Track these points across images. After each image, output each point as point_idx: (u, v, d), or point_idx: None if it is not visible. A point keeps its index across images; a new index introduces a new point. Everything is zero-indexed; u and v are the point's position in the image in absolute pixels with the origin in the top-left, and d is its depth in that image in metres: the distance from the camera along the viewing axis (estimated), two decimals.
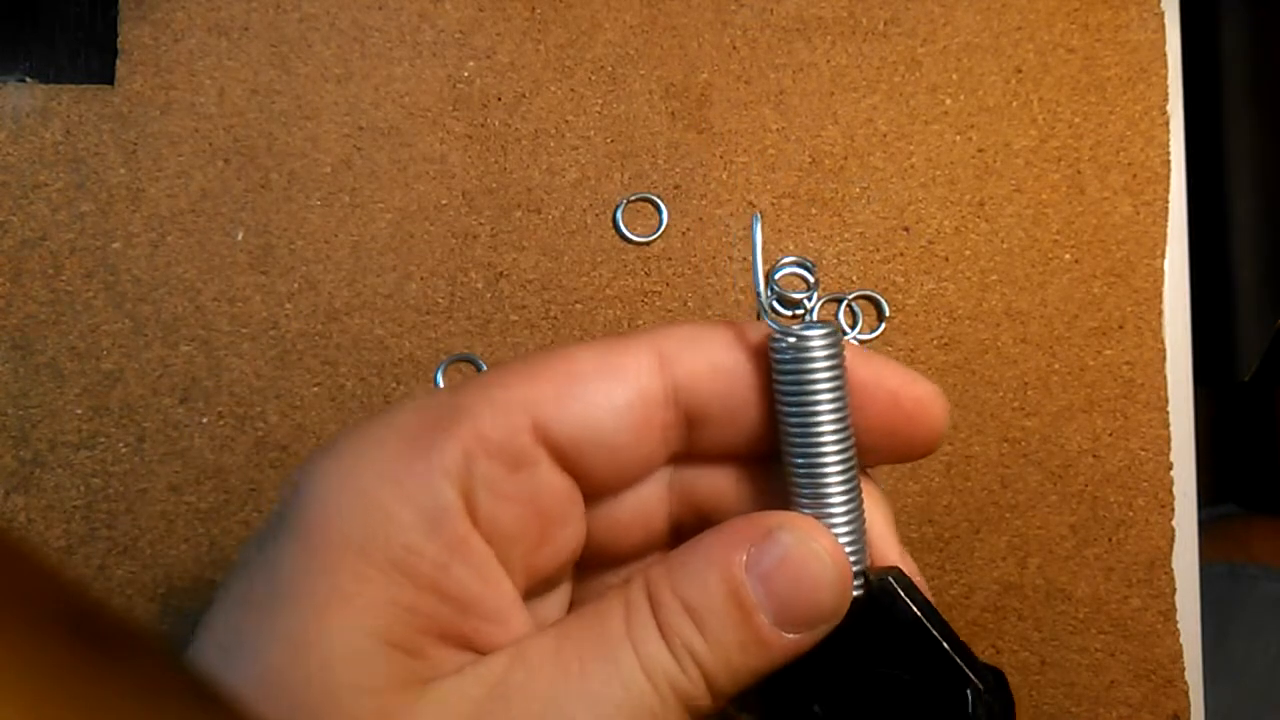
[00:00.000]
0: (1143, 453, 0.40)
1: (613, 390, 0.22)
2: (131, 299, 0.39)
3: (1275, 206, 0.58)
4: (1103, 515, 0.40)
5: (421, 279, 0.39)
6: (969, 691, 0.22)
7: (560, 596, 0.25)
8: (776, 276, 0.40)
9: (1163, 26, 0.42)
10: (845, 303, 0.40)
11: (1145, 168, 0.41)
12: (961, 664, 0.22)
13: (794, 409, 0.22)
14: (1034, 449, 0.40)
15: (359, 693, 0.19)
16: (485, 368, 0.39)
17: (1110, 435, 0.40)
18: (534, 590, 0.23)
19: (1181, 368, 0.40)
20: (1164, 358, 0.40)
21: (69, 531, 0.38)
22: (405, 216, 0.40)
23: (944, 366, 0.40)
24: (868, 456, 0.23)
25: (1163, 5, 0.42)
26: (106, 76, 0.40)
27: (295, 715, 0.19)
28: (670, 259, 0.40)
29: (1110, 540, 0.39)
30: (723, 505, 0.24)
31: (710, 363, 0.22)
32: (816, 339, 0.22)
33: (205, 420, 0.38)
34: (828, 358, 0.22)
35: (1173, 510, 0.40)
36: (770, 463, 0.24)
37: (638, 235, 0.40)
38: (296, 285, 0.39)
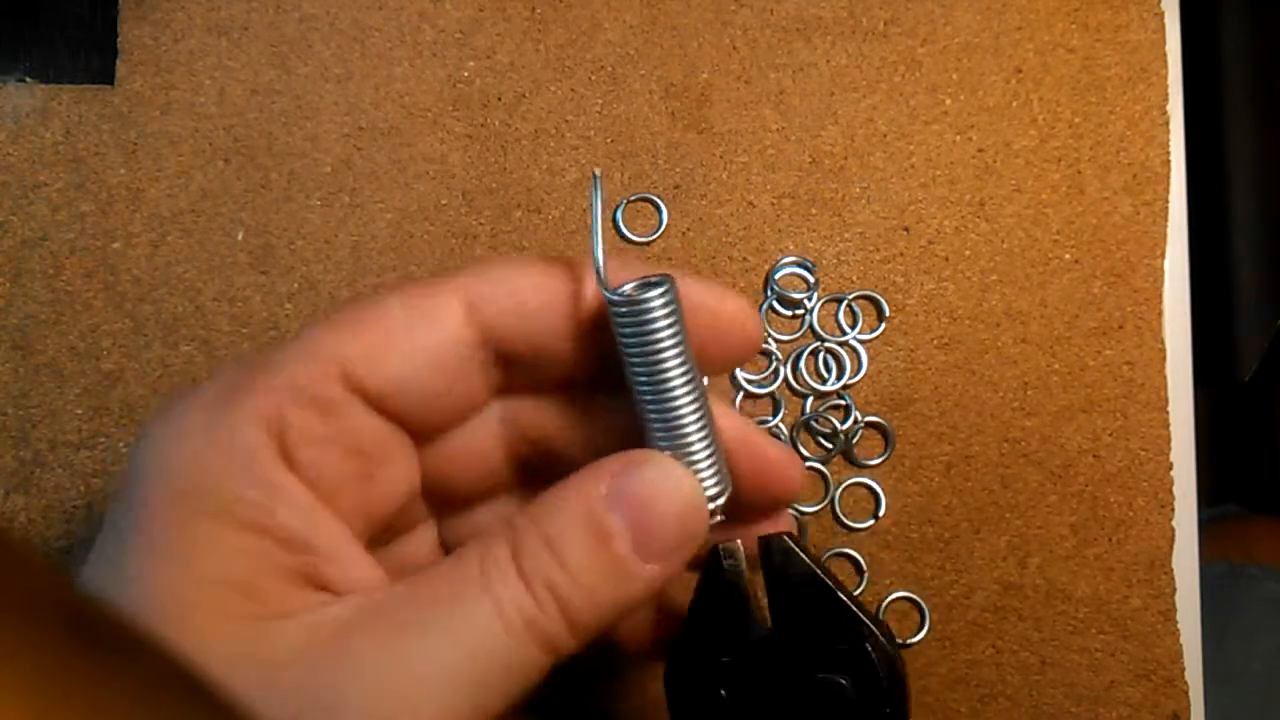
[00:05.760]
0: (1143, 453, 0.40)
1: (419, 337, 0.22)
2: (131, 299, 0.39)
3: (1275, 206, 0.58)
4: (1103, 515, 0.40)
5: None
6: (867, 644, 0.24)
7: (425, 536, 0.26)
8: (776, 276, 0.40)
9: (1163, 26, 0.42)
10: (845, 303, 0.40)
11: (1145, 168, 0.41)
12: (860, 613, 0.24)
13: (640, 364, 0.23)
14: (1034, 449, 0.40)
15: (198, 632, 0.20)
16: None
17: (1110, 435, 0.40)
18: (383, 533, 0.24)
19: (1181, 368, 0.40)
20: (1164, 358, 0.40)
21: (69, 531, 0.38)
22: (405, 216, 0.40)
23: (944, 366, 0.40)
24: (704, 369, 0.25)
25: (1163, 5, 0.42)
26: (106, 76, 0.40)
27: None
28: (670, 259, 0.40)
29: (1110, 540, 0.39)
30: (556, 435, 0.25)
31: (517, 305, 0.23)
32: (655, 299, 0.22)
33: None
34: (667, 314, 0.22)
35: (1173, 510, 0.40)
36: (602, 393, 0.25)
37: (638, 235, 0.40)
38: (296, 285, 0.39)
